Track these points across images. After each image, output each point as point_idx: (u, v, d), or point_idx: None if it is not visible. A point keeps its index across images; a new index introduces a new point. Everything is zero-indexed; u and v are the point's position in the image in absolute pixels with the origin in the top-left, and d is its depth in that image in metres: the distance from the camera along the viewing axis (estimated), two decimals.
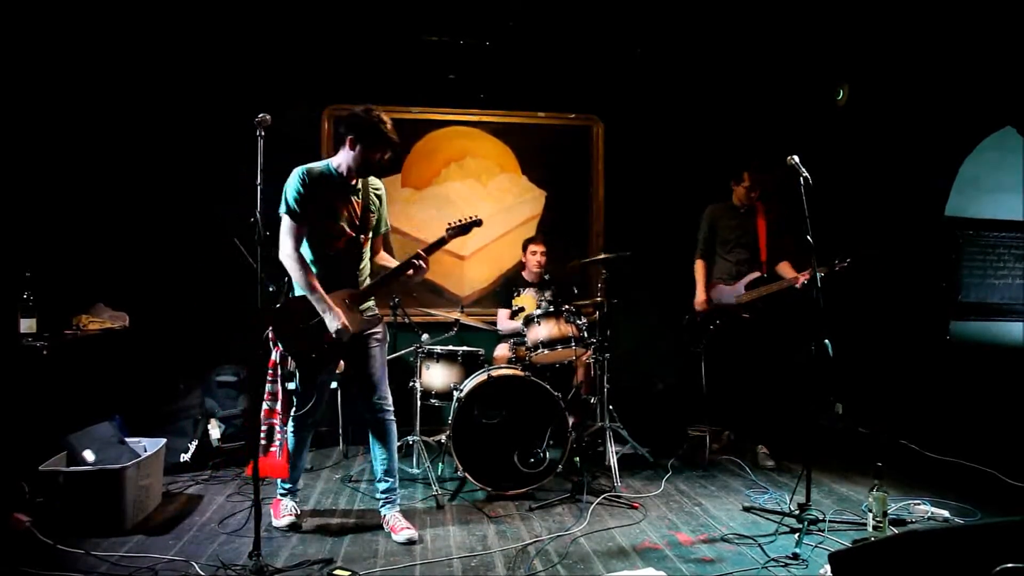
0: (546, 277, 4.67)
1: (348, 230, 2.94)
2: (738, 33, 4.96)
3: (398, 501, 3.11)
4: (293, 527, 3.06)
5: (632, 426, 4.15)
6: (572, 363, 4.21)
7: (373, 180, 3.09)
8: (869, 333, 4.77)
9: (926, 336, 4.47)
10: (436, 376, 3.97)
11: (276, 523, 3.08)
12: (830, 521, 3.08)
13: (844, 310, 4.55)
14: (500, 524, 3.16)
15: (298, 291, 2.95)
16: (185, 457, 3.84)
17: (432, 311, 4.48)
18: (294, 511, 3.12)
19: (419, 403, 3.88)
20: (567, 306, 3.92)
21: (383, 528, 3.04)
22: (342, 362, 3.25)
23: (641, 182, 5.24)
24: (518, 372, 3.69)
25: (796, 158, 3.16)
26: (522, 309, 4.20)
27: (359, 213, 2.97)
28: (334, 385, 4.25)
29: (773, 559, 2.72)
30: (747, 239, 4.25)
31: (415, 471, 3.87)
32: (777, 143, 4.25)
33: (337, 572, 2.60)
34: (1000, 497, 3.44)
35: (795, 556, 2.72)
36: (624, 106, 5.22)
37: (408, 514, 3.15)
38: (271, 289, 3.02)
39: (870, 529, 2.87)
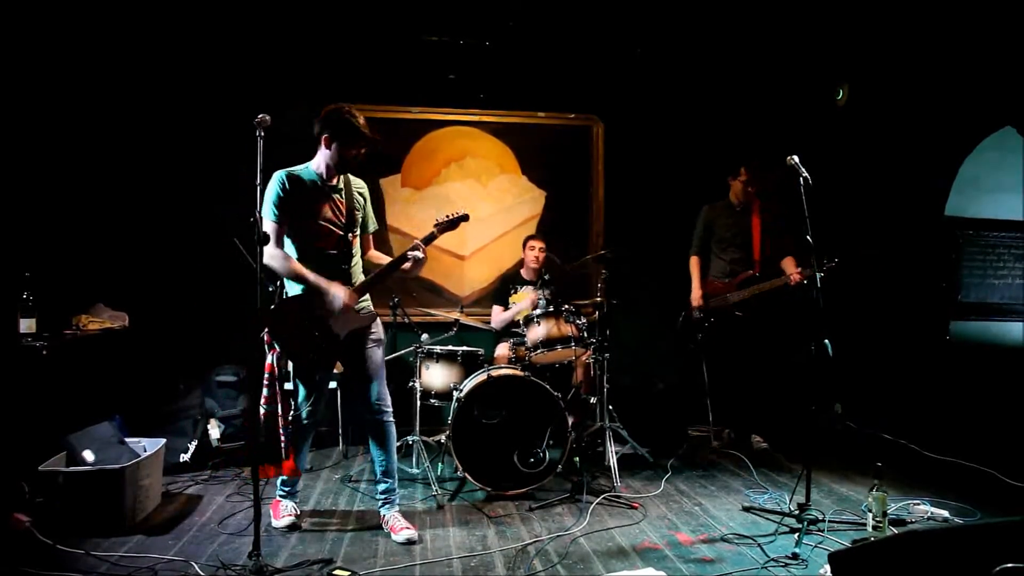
0: (545, 276, 4.67)
1: (335, 229, 2.97)
2: (738, 33, 4.96)
3: (398, 501, 3.11)
4: (293, 527, 3.07)
5: (632, 426, 4.14)
6: (572, 363, 4.22)
7: (355, 180, 3.11)
8: (869, 333, 4.77)
9: (926, 336, 4.47)
10: (436, 376, 3.97)
11: (276, 523, 3.08)
12: (830, 521, 3.08)
13: (844, 310, 4.55)
14: (500, 524, 3.16)
15: (291, 291, 2.96)
16: (185, 457, 3.85)
17: (432, 311, 4.48)
18: (294, 511, 3.12)
19: (419, 403, 3.88)
20: (567, 306, 3.92)
21: (383, 528, 3.04)
22: (339, 363, 3.25)
23: (641, 182, 5.24)
24: (518, 372, 3.69)
25: (796, 158, 3.16)
26: (512, 303, 4.21)
27: (344, 211, 3.00)
28: (334, 385, 4.26)
29: (773, 559, 2.72)
30: (742, 238, 4.31)
31: (415, 471, 3.87)
32: (777, 143, 4.24)
33: (337, 572, 2.60)
34: (1000, 497, 3.44)
35: (795, 556, 2.72)
36: (624, 106, 5.22)
37: (408, 514, 3.16)
38: (271, 289, 3.02)
39: (870, 529, 2.87)
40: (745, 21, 4.84)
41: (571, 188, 5.24)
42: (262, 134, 2.57)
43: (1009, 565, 1.61)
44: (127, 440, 3.38)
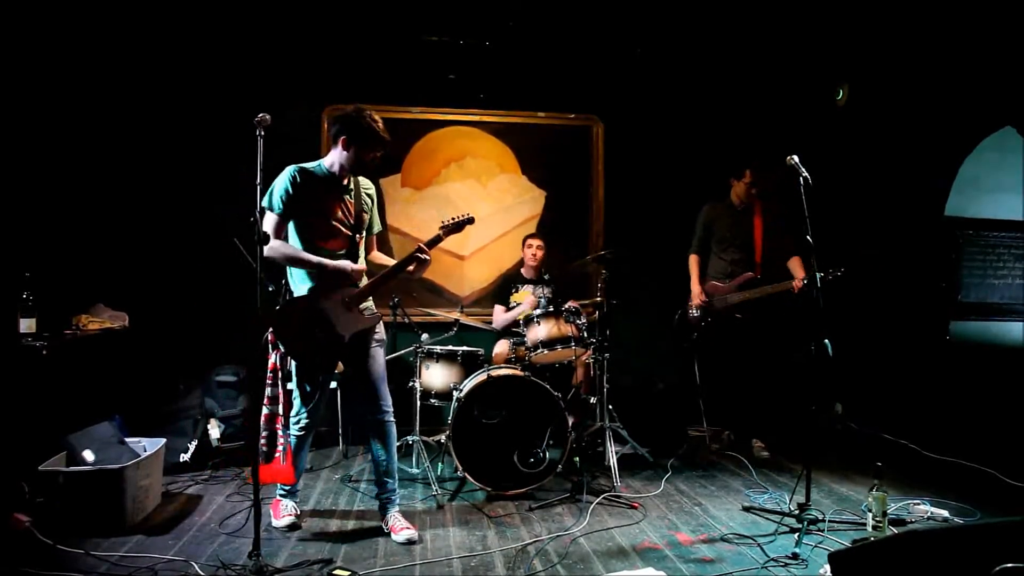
0: (545, 276, 4.68)
1: (344, 229, 2.96)
2: (738, 33, 4.96)
3: (398, 501, 3.11)
4: (293, 527, 3.06)
5: (632, 426, 4.14)
6: (572, 363, 4.22)
7: (363, 180, 3.11)
8: (869, 333, 4.77)
9: (926, 336, 4.47)
10: (436, 376, 3.97)
11: (276, 523, 3.08)
12: (830, 521, 3.08)
13: (844, 310, 4.55)
14: (500, 524, 3.16)
15: (298, 292, 2.96)
16: (185, 457, 3.85)
17: (432, 311, 4.47)
18: (294, 511, 3.12)
19: (419, 403, 3.88)
20: (567, 306, 3.92)
21: (383, 528, 3.03)
22: (340, 363, 3.25)
23: (641, 182, 5.24)
24: (518, 372, 3.69)
25: (796, 158, 3.16)
26: (518, 304, 4.21)
27: (353, 212, 3.00)
28: (334, 385, 4.26)
29: (773, 559, 2.72)
30: (743, 239, 4.29)
31: (415, 471, 3.87)
32: (777, 143, 4.24)
33: (337, 572, 2.60)
34: (1000, 497, 3.44)
35: (795, 556, 2.72)
36: (624, 106, 5.22)
37: (408, 514, 3.15)
38: (271, 289, 3.02)
39: (870, 529, 2.87)
40: (745, 21, 4.84)
41: (571, 188, 5.24)
42: (262, 134, 2.57)
43: (1009, 565, 1.61)
44: (127, 440, 3.38)
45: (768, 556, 2.75)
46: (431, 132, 5.04)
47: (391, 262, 3.12)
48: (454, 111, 5.05)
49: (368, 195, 3.11)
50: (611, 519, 3.21)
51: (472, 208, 4.72)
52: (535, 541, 2.94)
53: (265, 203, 2.84)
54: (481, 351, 4.09)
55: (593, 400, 4.07)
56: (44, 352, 3.28)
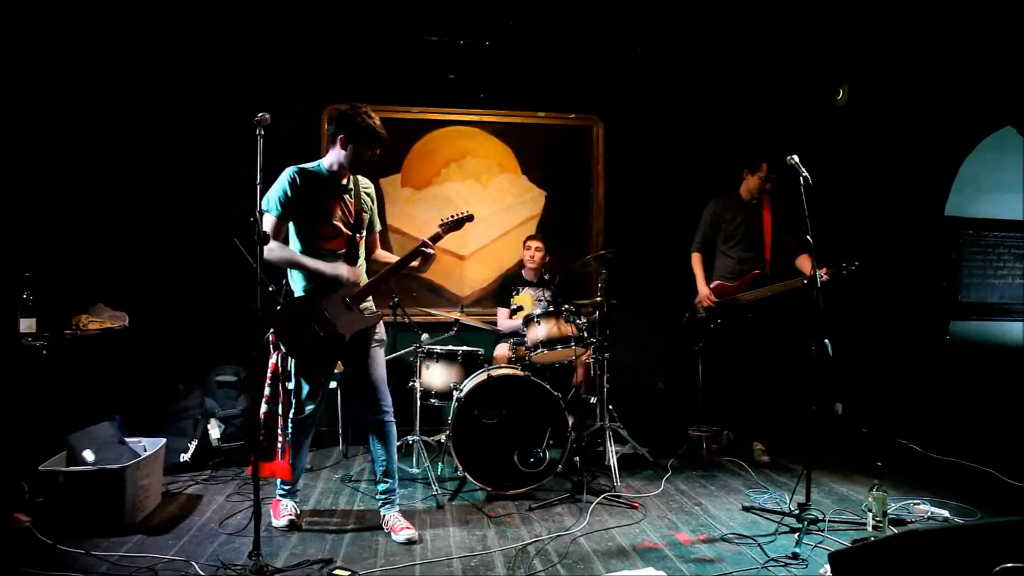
0: (545, 276, 4.67)
1: (344, 229, 2.97)
2: (738, 33, 4.97)
3: (398, 501, 3.11)
4: (293, 527, 3.06)
5: (632, 426, 4.15)
6: (572, 363, 4.21)
7: (363, 180, 3.11)
8: (869, 333, 4.77)
9: (926, 336, 4.47)
10: (436, 376, 3.97)
11: (276, 523, 3.08)
12: (830, 521, 3.09)
13: (844, 310, 4.55)
14: (500, 524, 3.16)
15: (297, 292, 2.96)
16: (185, 457, 3.85)
17: (432, 311, 4.48)
18: (294, 511, 3.12)
19: (419, 403, 3.88)
20: (567, 306, 3.92)
21: (383, 528, 3.04)
22: (340, 363, 3.26)
23: (641, 182, 5.24)
24: (518, 372, 3.68)
25: (796, 158, 3.16)
26: (520, 307, 4.20)
27: (353, 212, 3.00)
28: (334, 385, 4.26)
29: (773, 559, 2.72)
30: (752, 235, 4.18)
31: (415, 471, 3.87)
32: (777, 143, 4.24)
33: (337, 572, 2.60)
34: (1000, 497, 3.44)
35: (795, 556, 2.72)
36: (624, 106, 5.22)
37: (408, 514, 3.15)
38: (271, 289, 3.02)
39: (870, 529, 2.87)
40: (745, 21, 4.84)
41: (571, 188, 5.23)
42: (262, 133, 2.57)
43: (1009, 565, 1.61)
44: (127, 440, 3.38)
45: (768, 556, 2.75)
46: (431, 132, 5.04)
47: (395, 259, 3.12)
48: (454, 111, 5.05)
49: (368, 194, 3.12)
50: (611, 519, 3.21)
51: (472, 208, 4.69)
52: (535, 541, 2.94)
53: (264, 205, 2.84)
54: (481, 351, 4.09)
55: (593, 400, 4.07)
56: (44, 352, 3.28)
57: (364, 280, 3.07)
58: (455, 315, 4.26)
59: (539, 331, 3.84)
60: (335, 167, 2.94)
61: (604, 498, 3.44)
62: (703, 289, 4.24)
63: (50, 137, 4.03)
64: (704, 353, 4.26)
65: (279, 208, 2.85)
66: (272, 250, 2.82)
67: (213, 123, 4.54)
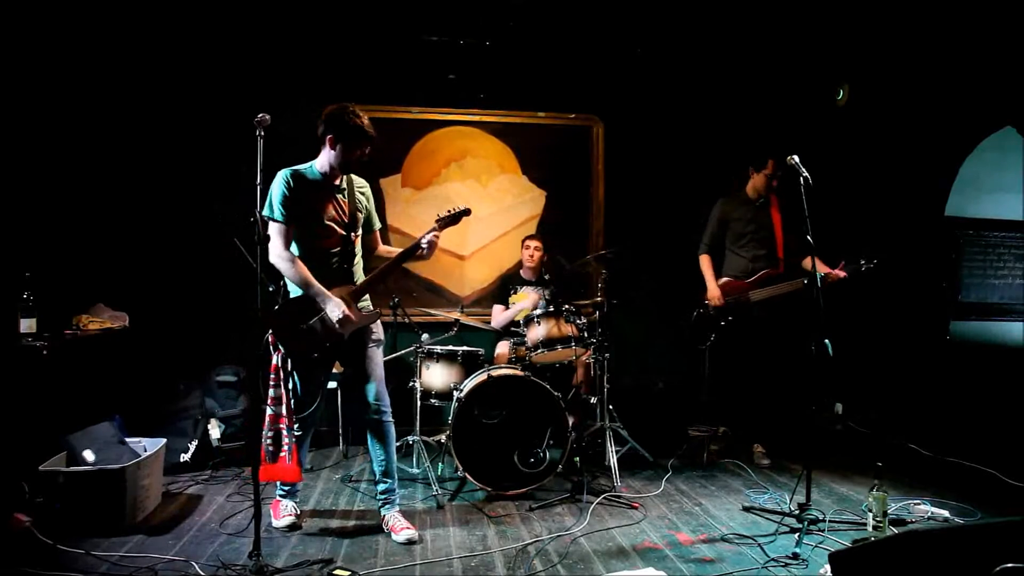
0: (545, 276, 4.68)
1: (338, 229, 2.98)
2: (738, 33, 4.96)
3: (397, 501, 3.12)
4: (293, 527, 3.06)
5: (632, 426, 4.15)
6: (572, 363, 4.21)
7: (357, 179, 3.12)
8: (869, 333, 4.77)
9: (926, 336, 4.47)
10: (436, 376, 3.97)
11: (276, 523, 3.08)
12: (830, 521, 3.09)
13: (844, 310, 4.55)
14: (500, 524, 3.16)
15: (294, 292, 2.96)
16: (185, 457, 3.85)
17: (432, 311, 4.47)
18: (294, 511, 3.12)
19: (419, 403, 3.88)
20: (567, 306, 3.92)
21: (383, 528, 3.04)
22: (339, 363, 3.26)
23: (641, 182, 5.24)
24: (518, 372, 3.69)
25: (796, 158, 3.16)
26: (513, 303, 4.20)
27: (347, 211, 3.01)
28: (334, 385, 4.26)
29: (773, 559, 2.72)
30: (763, 234, 4.14)
31: (415, 471, 3.87)
32: (777, 143, 4.24)
33: (337, 572, 2.60)
34: (1000, 497, 3.44)
35: (795, 556, 2.72)
36: (624, 106, 5.22)
37: (408, 514, 3.16)
38: (271, 289, 3.03)
39: (870, 529, 2.87)
40: (745, 21, 4.84)
41: (571, 188, 5.23)
42: (262, 133, 2.58)
43: (1009, 565, 1.61)
44: (127, 440, 3.38)
45: (768, 556, 2.75)
46: (431, 132, 5.04)
47: (397, 251, 3.12)
48: (454, 111, 5.05)
49: (362, 193, 3.13)
50: (611, 519, 3.21)
51: (472, 208, 4.71)
52: (535, 541, 2.94)
53: (266, 213, 2.84)
54: (481, 351, 4.09)
55: (593, 400, 4.07)
56: (44, 352, 3.28)
57: (362, 276, 3.07)
58: (455, 315, 4.26)
59: (539, 331, 3.84)
60: (326, 167, 2.95)
61: (604, 498, 3.44)
62: (713, 289, 4.19)
63: (50, 137, 4.02)
64: (711, 352, 4.23)
65: (283, 213, 2.85)
66: (283, 258, 2.84)
67: (213, 123, 4.54)
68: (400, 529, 2.95)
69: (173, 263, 4.55)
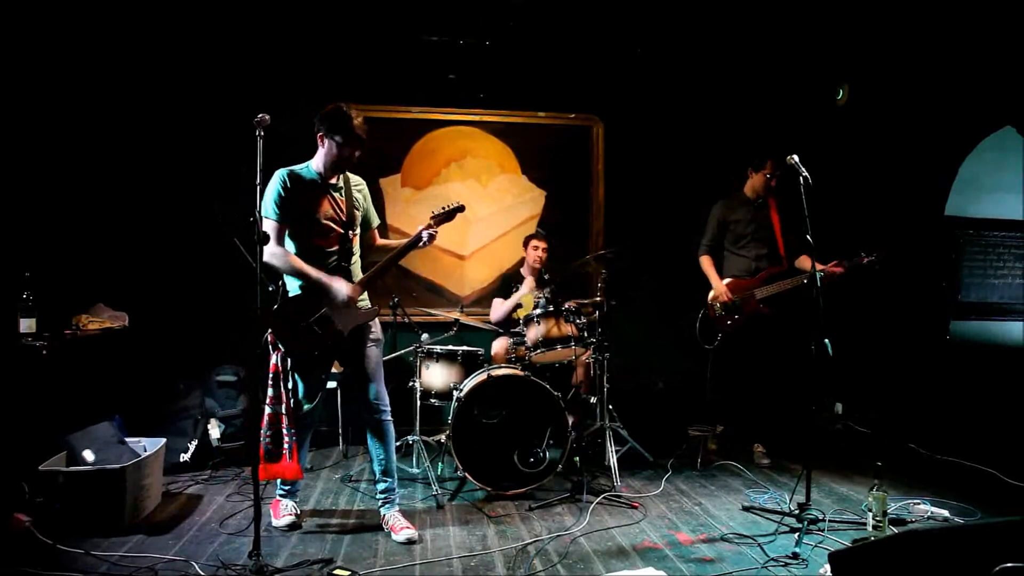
0: (545, 276, 4.67)
1: (336, 227, 2.99)
2: (738, 33, 4.96)
3: (397, 501, 3.12)
4: (293, 527, 3.07)
5: (632, 426, 4.15)
6: (572, 363, 4.21)
7: (354, 178, 3.13)
8: (869, 333, 4.76)
9: (926, 336, 4.47)
10: (436, 376, 3.97)
11: (276, 523, 3.08)
12: (830, 521, 3.08)
13: (844, 310, 4.55)
14: (500, 524, 3.16)
15: (292, 291, 2.97)
16: (185, 457, 3.85)
17: (432, 311, 4.48)
18: (294, 511, 3.12)
19: (419, 403, 3.88)
20: (567, 305, 3.92)
21: (383, 528, 3.04)
22: (338, 362, 3.26)
23: (641, 182, 5.24)
24: (518, 372, 3.69)
25: (796, 158, 3.16)
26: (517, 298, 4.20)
27: (344, 210, 3.02)
28: (333, 385, 4.26)
29: (773, 559, 2.72)
30: (763, 233, 4.16)
31: (415, 471, 3.87)
32: (777, 143, 4.24)
33: (337, 572, 2.60)
34: (1000, 497, 3.44)
35: (795, 556, 2.72)
36: (624, 106, 5.22)
37: (408, 514, 3.15)
38: (271, 289, 3.03)
39: (870, 529, 2.87)
40: (745, 21, 4.84)
41: (571, 188, 5.24)
42: (262, 134, 2.58)
43: (1009, 565, 1.61)
44: (127, 440, 3.38)
45: (768, 556, 2.75)
46: (431, 132, 5.04)
47: (396, 244, 3.13)
48: (454, 111, 5.05)
49: (359, 191, 3.13)
50: (611, 519, 3.21)
51: (472, 208, 4.74)
52: (535, 541, 2.94)
53: (263, 211, 2.85)
54: (481, 351, 4.09)
55: (593, 400, 4.07)
56: (44, 352, 3.28)
57: (360, 274, 3.08)
58: (455, 315, 4.26)
59: (539, 331, 3.83)
60: (321, 166, 2.96)
61: (604, 498, 3.44)
62: (719, 285, 4.19)
63: (50, 137, 4.03)
64: (716, 352, 4.23)
65: (277, 212, 2.87)
66: (275, 254, 2.85)
67: (213, 123, 4.54)
68: (400, 529, 2.95)
69: (173, 263, 4.55)
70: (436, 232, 3.05)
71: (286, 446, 2.92)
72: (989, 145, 4.17)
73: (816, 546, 2.85)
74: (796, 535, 2.89)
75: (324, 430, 4.37)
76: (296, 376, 3.00)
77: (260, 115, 2.57)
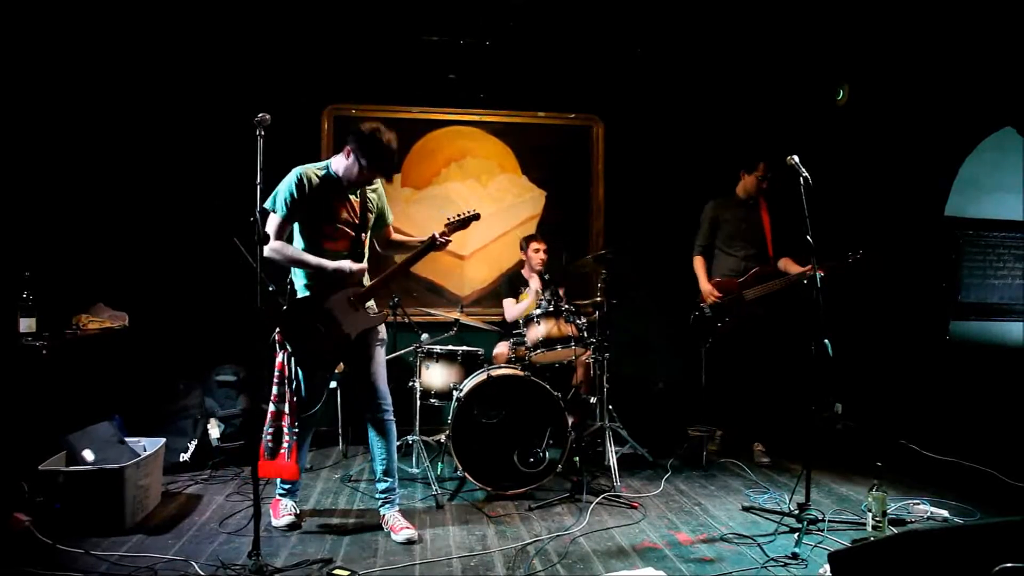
0: (546, 277, 4.67)
1: (348, 230, 2.98)
2: (738, 33, 4.96)
3: (397, 501, 3.12)
4: (292, 527, 3.07)
5: (632, 426, 4.15)
6: (572, 363, 4.21)
7: None
8: (869, 333, 4.76)
9: (926, 336, 4.47)
10: (436, 376, 3.97)
11: (275, 523, 3.08)
12: (829, 521, 3.09)
13: (844, 310, 4.54)
14: (500, 524, 3.16)
15: (301, 292, 2.97)
16: (185, 457, 3.85)
17: (432, 311, 4.48)
18: (293, 511, 3.12)
19: (419, 403, 3.88)
20: (567, 306, 3.92)
21: (383, 528, 3.04)
22: (341, 363, 3.27)
23: (641, 182, 5.24)
24: (518, 372, 3.69)
25: (796, 158, 3.17)
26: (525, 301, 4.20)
27: (358, 213, 3.02)
28: (333, 385, 4.26)
29: (772, 559, 2.72)
30: (753, 233, 4.21)
31: (415, 471, 3.87)
32: (777, 143, 4.24)
33: (337, 572, 2.60)
34: (1000, 497, 3.44)
35: (794, 556, 2.72)
36: (624, 106, 5.22)
37: (408, 514, 3.16)
38: (271, 289, 3.03)
39: (869, 529, 2.87)
40: (745, 21, 4.84)
41: (571, 188, 5.23)
42: (262, 134, 2.58)
43: (1009, 565, 1.61)
44: (127, 440, 3.38)
45: (768, 556, 2.75)
46: (431, 132, 5.04)
47: (410, 237, 3.16)
48: (454, 111, 5.05)
49: (374, 192, 3.14)
50: (611, 519, 3.21)
51: (472, 208, 4.71)
52: (535, 541, 2.94)
53: (269, 204, 2.87)
54: (481, 351, 4.09)
55: (593, 400, 4.07)
56: (44, 352, 3.28)
57: (368, 279, 3.08)
58: (455, 315, 4.26)
59: (539, 331, 3.83)
60: (340, 172, 2.96)
61: (604, 498, 3.44)
62: (705, 286, 4.25)
63: (50, 137, 4.02)
64: (710, 353, 4.25)
65: (285, 209, 2.87)
66: (275, 248, 2.84)
67: (213, 123, 4.54)
68: (400, 529, 2.95)
69: (173, 263, 4.55)
70: (450, 240, 3.09)
71: (286, 444, 2.93)
72: (989, 145, 4.16)
73: (816, 546, 2.85)
74: (796, 535, 2.89)
75: (324, 430, 4.37)
76: (300, 376, 3.00)
77: (260, 115, 2.57)
